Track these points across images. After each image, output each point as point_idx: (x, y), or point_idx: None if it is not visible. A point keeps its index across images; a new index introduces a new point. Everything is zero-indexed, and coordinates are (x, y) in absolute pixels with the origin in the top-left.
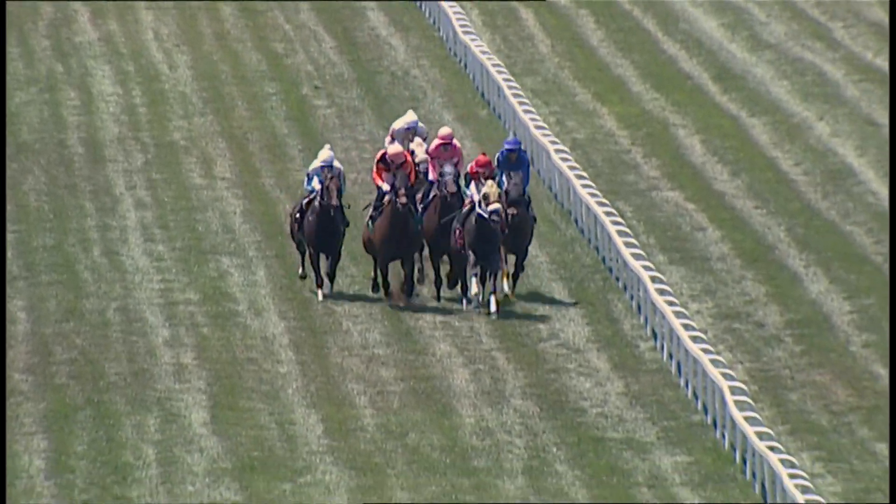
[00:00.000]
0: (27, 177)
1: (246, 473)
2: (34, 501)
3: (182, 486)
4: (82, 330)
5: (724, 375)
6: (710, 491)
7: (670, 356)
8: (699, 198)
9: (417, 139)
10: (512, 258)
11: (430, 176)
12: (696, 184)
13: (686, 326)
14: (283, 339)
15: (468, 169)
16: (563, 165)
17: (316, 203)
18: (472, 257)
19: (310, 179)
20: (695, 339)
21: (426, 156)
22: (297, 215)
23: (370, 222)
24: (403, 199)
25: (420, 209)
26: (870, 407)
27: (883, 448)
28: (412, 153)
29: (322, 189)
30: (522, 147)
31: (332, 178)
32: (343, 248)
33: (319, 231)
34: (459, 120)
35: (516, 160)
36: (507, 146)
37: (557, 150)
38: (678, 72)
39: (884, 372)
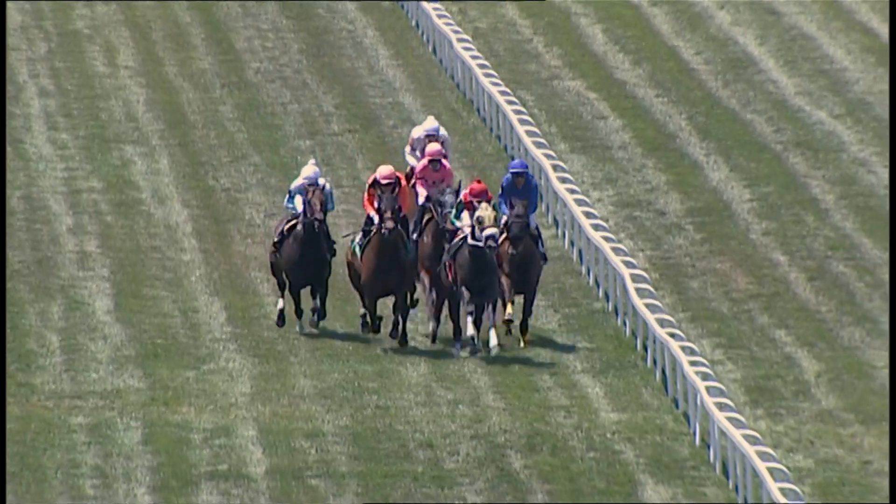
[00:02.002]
0: None
1: (149, 361)
2: None
3: (86, 374)
4: None
5: (626, 263)
6: (612, 378)
7: (572, 244)
8: (601, 86)
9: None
10: (519, 299)
11: (419, 199)
12: (597, 73)
13: (587, 214)
14: (187, 227)
15: (461, 197)
16: (466, 55)
17: (299, 227)
18: (465, 295)
19: (291, 197)
20: (596, 226)
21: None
22: (277, 239)
23: (358, 249)
24: (390, 224)
25: (413, 234)
26: (769, 294)
27: (782, 334)
28: None
29: (304, 205)
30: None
31: (314, 190)
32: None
33: (302, 254)
34: (362, 10)
35: (523, 186)
36: (512, 169)
37: (460, 40)
38: None
39: (783, 259)
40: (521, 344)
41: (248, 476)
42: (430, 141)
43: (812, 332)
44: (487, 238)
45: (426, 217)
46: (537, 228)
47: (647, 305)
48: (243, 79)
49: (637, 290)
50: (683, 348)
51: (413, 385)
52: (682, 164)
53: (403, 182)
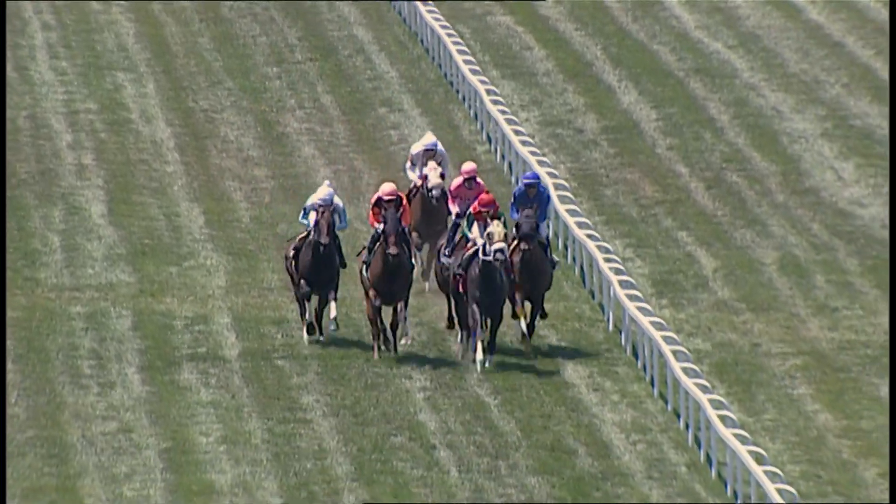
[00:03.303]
0: None
1: (138, 258)
2: None
3: (83, 269)
4: None
5: (549, 174)
6: None
7: (503, 157)
8: (527, 21)
9: (432, 163)
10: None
11: (452, 216)
12: (524, 9)
13: (516, 132)
14: (170, 142)
15: (470, 209)
16: None
17: (310, 238)
18: (475, 312)
19: (306, 213)
20: (524, 142)
21: (440, 181)
22: (293, 252)
23: (364, 267)
24: (394, 251)
25: (446, 251)
26: (673, 200)
27: (684, 235)
28: (426, 178)
29: (315, 225)
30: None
31: (324, 212)
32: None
33: (313, 269)
34: None
35: (534, 196)
36: (524, 180)
37: None
38: None
39: (685, 170)
40: (525, 349)
41: (223, 358)
42: (428, 157)
43: (709, 233)
44: (496, 252)
45: (459, 234)
46: (547, 238)
47: (567, 210)
48: (219, 14)
49: (559, 196)
50: (599, 247)
51: None
52: (598, 89)
53: (403, 200)
